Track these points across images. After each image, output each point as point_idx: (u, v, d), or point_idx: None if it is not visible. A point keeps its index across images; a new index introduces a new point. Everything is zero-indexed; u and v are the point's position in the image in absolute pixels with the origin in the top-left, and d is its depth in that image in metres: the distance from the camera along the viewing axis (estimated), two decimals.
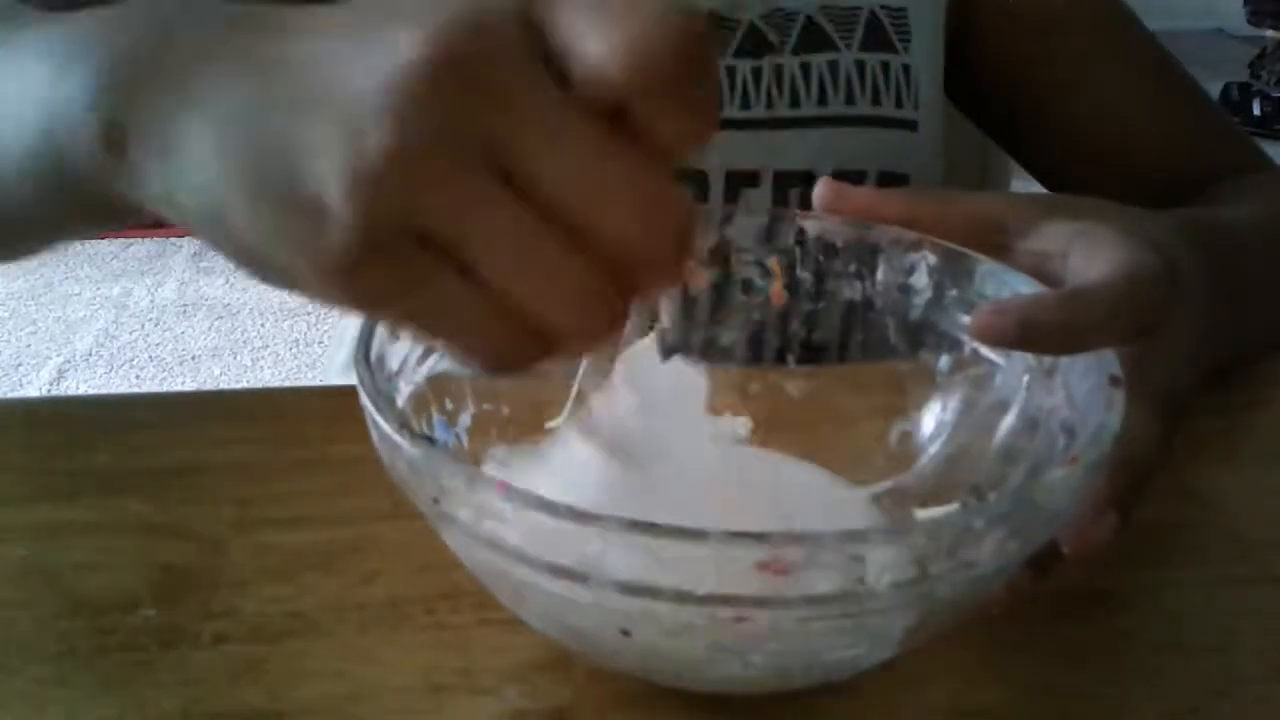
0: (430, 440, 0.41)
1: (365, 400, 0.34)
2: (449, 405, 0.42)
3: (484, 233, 0.27)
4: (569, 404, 0.44)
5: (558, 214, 0.27)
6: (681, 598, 0.30)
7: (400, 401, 0.39)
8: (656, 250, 0.28)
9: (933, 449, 0.46)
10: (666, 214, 0.28)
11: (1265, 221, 0.59)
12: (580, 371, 0.43)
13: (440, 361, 0.41)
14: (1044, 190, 0.75)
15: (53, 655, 0.39)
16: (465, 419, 0.43)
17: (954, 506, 0.43)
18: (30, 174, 0.38)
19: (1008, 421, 0.43)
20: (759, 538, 0.29)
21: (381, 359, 0.37)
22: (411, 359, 0.40)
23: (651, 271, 0.28)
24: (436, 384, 0.41)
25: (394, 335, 0.38)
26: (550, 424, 0.45)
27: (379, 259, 0.27)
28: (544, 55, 0.27)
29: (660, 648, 0.33)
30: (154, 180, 0.31)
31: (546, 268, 0.27)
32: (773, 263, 0.48)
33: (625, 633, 0.32)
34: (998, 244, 0.44)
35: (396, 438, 0.32)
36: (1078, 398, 0.39)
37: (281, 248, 0.28)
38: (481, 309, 0.28)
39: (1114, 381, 0.36)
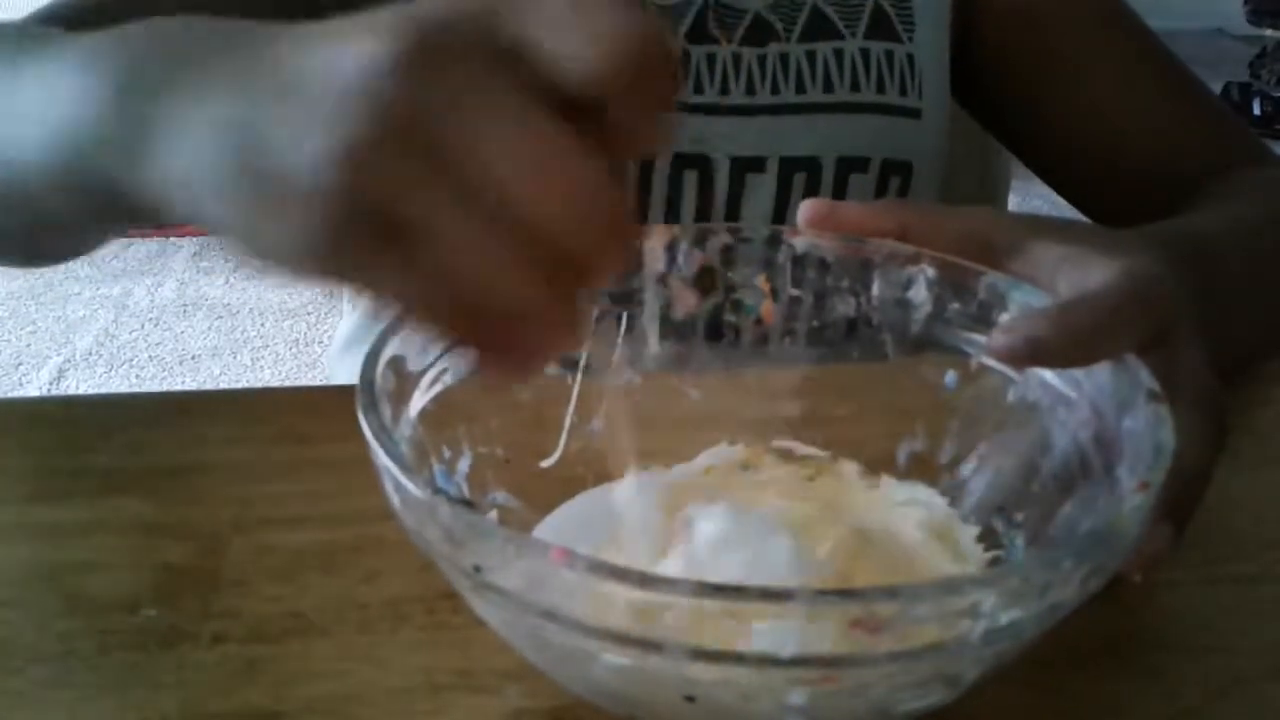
0: (470, 505, 0.39)
1: (384, 460, 0.32)
2: (446, 453, 0.41)
3: (427, 215, 0.29)
4: (561, 441, 0.44)
5: (494, 199, 0.28)
6: (764, 662, 0.28)
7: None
8: (585, 239, 0.29)
9: (948, 470, 0.45)
10: (597, 205, 0.29)
11: (1251, 226, 0.58)
12: (571, 406, 0.43)
13: (434, 391, 0.40)
14: (1044, 184, 0.76)
15: (53, 655, 0.39)
16: (464, 466, 0.42)
17: (976, 529, 0.42)
18: (59, 175, 0.40)
19: (1028, 438, 0.42)
20: (851, 595, 0.28)
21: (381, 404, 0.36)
22: (409, 402, 0.39)
23: (582, 262, 0.29)
24: (429, 427, 0.40)
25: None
26: (545, 463, 0.44)
27: (347, 237, 0.29)
28: (513, 54, 0.29)
29: (727, 711, 0.32)
30: (170, 173, 0.34)
31: (482, 253, 0.29)
32: (761, 281, 0.47)
33: (689, 699, 0.31)
34: (986, 262, 0.44)
35: (434, 503, 0.31)
36: (1104, 410, 0.38)
37: (268, 232, 0.30)
38: (432, 288, 0.30)
39: (1153, 396, 0.36)
